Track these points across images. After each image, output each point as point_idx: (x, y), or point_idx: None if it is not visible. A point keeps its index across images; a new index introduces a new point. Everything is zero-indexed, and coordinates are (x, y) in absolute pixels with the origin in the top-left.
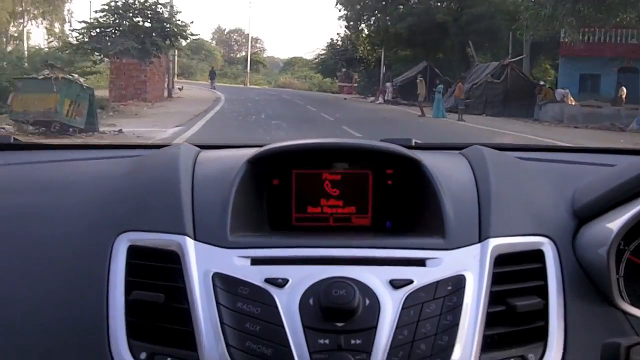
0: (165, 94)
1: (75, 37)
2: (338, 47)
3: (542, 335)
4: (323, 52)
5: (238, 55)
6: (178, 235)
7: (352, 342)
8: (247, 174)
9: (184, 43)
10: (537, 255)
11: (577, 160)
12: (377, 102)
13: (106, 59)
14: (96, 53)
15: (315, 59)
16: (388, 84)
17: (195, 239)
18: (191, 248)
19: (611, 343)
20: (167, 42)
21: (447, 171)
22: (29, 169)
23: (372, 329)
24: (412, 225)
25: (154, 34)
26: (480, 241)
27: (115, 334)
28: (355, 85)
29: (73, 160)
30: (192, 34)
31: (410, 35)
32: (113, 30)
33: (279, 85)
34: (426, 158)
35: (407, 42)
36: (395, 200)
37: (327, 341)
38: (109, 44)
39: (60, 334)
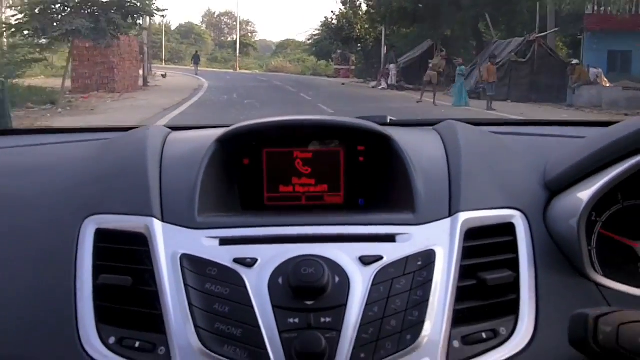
0: (141, 82)
1: (13, 16)
2: (333, 26)
3: (513, 309)
4: (317, 32)
5: (229, 39)
6: (145, 217)
7: (322, 320)
8: (217, 153)
9: (151, 21)
10: (508, 228)
11: (548, 133)
12: (380, 87)
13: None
14: (43, 37)
15: (309, 39)
16: (392, 66)
17: (163, 220)
18: (159, 230)
19: (579, 314)
20: (128, 20)
21: (419, 146)
22: None
23: (342, 306)
24: (383, 201)
25: (111, 11)
26: (450, 215)
27: (83, 319)
28: (353, 68)
29: (40, 145)
30: (158, 10)
31: (416, 9)
32: (61, 7)
33: (270, 69)
34: (397, 134)
35: (412, 17)
36: (367, 177)
37: (296, 320)
38: (54, 24)
39: (27, 320)
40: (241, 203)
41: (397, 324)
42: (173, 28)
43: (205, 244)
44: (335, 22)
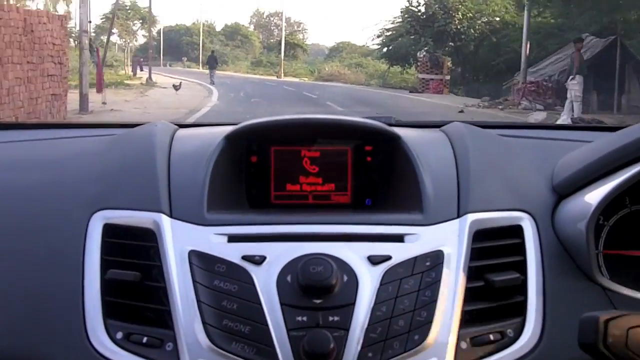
0: (75, 106)
1: None
2: (419, 14)
3: (520, 311)
4: (391, 27)
5: (278, 41)
6: (154, 213)
7: (330, 319)
8: (225, 151)
9: None
10: (516, 230)
11: (556, 137)
12: (561, 118)
13: None
14: None
15: (378, 36)
16: (576, 79)
17: (171, 216)
18: (167, 226)
19: (589, 317)
20: None
21: (427, 147)
22: (3, 147)
23: (350, 305)
24: (391, 201)
25: None
26: (458, 216)
27: (91, 314)
28: (447, 77)
29: (49, 139)
30: None
31: None
32: None
33: (323, 77)
34: (405, 134)
35: None
36: (374, 176)
37: (305, 318)
38: None
39: (36, 315)
40: (248, 201)
41: (405, 324)
42: (218, 28)
43: (214, 241)
44: (422, 8)
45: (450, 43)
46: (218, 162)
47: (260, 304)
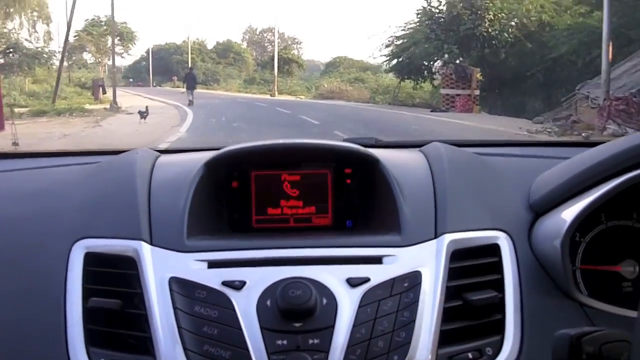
0: None
1: None
2: (440, 16)
3: (499, 329)
4: (403, 33)
5: (271, 63)
6: (134, 241)
7: (310, 341)
8: (205, 177)
9: None
10: (493, 249)
11: (533, 154)
12: None
13: None
14: None
15: (388, 45)
16: None
17: (151, 243)
18: (147, 253)
19: (562, 334)
20: None
21: (405, 168)
22: None
23: (329, 328)
24: (371, 223)
25: None
26: (436, 237)
27: (73, 342)
28: (477, 93)
29: (30, 168)
30: None
31: None
32: None
33: (323, 94)
34: (384, 156)
35: None
36: (354, 198)
37: (285, 342)
38: None
39: (18, 343)
40: (230, 226)
41: (385, 344)
42: (210, 46)
43: (194, 267)
44: (444, 7)
45: (478, 50)
46: (198, 189)
47: (240, 328)
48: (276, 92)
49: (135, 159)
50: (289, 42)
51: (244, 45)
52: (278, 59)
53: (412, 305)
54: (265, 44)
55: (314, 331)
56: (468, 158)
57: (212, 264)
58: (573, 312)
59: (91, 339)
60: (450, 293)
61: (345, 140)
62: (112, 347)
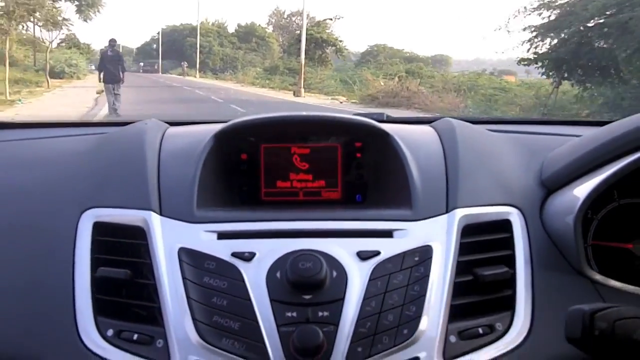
0: None
1: None
2: None
3: (509, 305)
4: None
5: (299, 47)
6: (143, 211)
7: (320, 314)
8: (215, 148)
9: None
10: (504, 225)
11: (546, 131)
12: None
13: None
14: None
15: (530, 40)
16: None
17: (161, 214)
18: (157, 223)
19: (576, 310)
20: None
21: (416, 143)
22: None
23: (339, 300)
24: (381, 197)
25: None
26: (447, 212)
27: (82, 312)
28: None
29: (40, 138)
30: None
31: None
32: None
33: (376, 96)
34: (395, 130)
35: None
36: (364, 173)
37: (294, 314)
38: None
39: (26, 313)
40: (239, 198)
41: (394, 318)
42: (231, 29)
43: (204, 238)
44: None
45: None
46: (208, 160)
47: (250, 300)
48: (302, 90)
49: (145, 129)
50: (322, 23)
51: (270, 29)
52: (308, 39)
53: (423, 279)
54: (293, 29)
55: (324, 304)
56: (480, 134)
57: (222, 235)
58: (584, 289)
59: (99, 308)
60: (461, 268)
61: (355, 114)
62: (121, 317)
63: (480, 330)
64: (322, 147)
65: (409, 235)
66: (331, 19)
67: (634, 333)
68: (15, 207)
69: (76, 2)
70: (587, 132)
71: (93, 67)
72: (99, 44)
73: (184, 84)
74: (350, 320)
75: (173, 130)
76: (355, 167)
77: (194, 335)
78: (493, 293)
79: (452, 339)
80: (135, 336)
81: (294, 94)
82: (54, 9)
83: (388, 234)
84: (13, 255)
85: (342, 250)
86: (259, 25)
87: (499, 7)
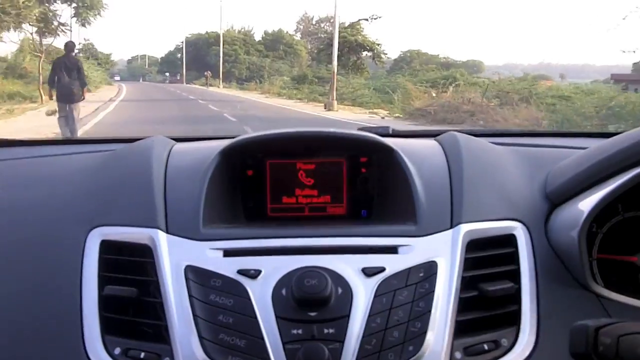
0: None
1: None
2: None
3: (515, 320)
4: None
5: (330, 52)
6: (150, 229)
7: (326, 331)
8: (221, 165)
9: None
10: (509, 239)
11: (550, 144)
12: None
13: None
14: None
15: None
16: None
17: (167, 232)
18: (163, 241)
19: (579, 325)
20: None
21: (421, 158)
22: (3, 165)
23: (345, 317)
24: (386, 212)
25: None
26: (452, 227)
27: (89, 330)
28: None
29: (47, 156)
30: None
31: None
32: None
33: (427, 112)
34: (400, 145)
35: None
36: (370, 188)
37: (300, 331)
38: None
39: (35, 331)
40: (245, 214)
41: (400, 335)
42: (258, 37)
43: (210, 256)
44: None
45: None
46: (214, 177)
47: (255, 317)
48: (335, 103)
49: (151, 146)
50: (355, 26)
51: (298, 36)
52: (340, 43)
53: (428, 295)
54: (322, 36)
55: (329, 321)
56: (484, 147)
57: (228, 253)
58: (589, 304)
59: (107, 327)
60: (466, 283)
61: (360, 129)
62: (128, 335)
63: (486, 346)
64: (327, 162)
65: (414, 251)
66: (367, 19)
67: (639, 348)
68: (23, 226)
69: (74, 4)
70: (593, 144)
71: (118, 78)
72: (121, 54)
73: (201, 97)
74: (355, 337)
75: (179, 146)
76: (360, 183)
77: (200, 353)
78: (498, 308)
79: (458, 355)
80: (142, 354)
81: (325, 107)
82: (49, 13)
83: (393, 249)
84: (21, 274)
85: (347, 267)
86: (287, 32)
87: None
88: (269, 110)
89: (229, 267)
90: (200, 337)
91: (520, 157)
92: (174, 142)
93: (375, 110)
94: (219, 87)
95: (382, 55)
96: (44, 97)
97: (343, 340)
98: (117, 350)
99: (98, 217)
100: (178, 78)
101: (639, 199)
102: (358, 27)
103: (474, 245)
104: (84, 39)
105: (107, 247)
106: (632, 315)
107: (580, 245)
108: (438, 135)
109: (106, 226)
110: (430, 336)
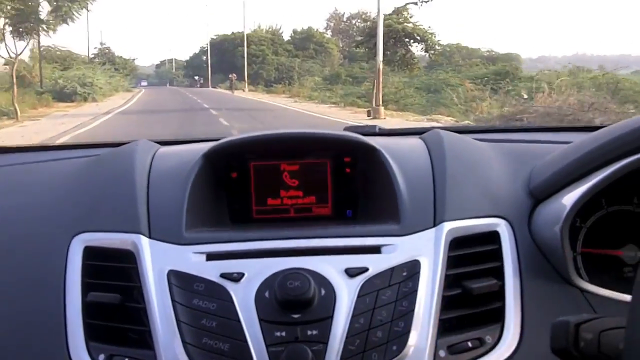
0: None
1: None
2: None
3: (499, 317)
4: None
5: (370, 45)
6: (132, 235)
7: (309, 332)
8: (204, 168)
9: None
10: (492, 236)
11: (534, 139)
12: None
13: None
14: None
15: None
16: None
17: (150, 237)
18: (146, 247)
19: (560, 321)
20: None
21: (404, 156)
22: None
23: (328, 318)
24: (370, 212)
25: None
26: (435, 225)
27: (73, 337)
28: None
29: (31, 162)
30: None
31: None
32: None
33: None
34: (383, 144)
35: None
36: (354, 188)
37: (283, 333)
38: None
39: (18, 338)
40: (230, 217)
41: (383, 334)
42: (286, 36)
43: (193, 260)
44: None
45: None
46: (197, 180)
47: (239, 320)
48: (381, 109)
49: (135, 151)
50: (404, 5)
51: (328, 34)
52: (385, 34)
53: (411, 294)
54: (354, 33)
55: (313, 322)
56: (468, 144)
57: (211, 256)
58: (574, 299)
59: (91, 333)
60: (450, 281)
61: (345, 129)
62: (112, 341)
63: (470, 344)
64: (311, 163)
65: (397, 250)
66: (415, 3)
67: (620, 344)
68: (5, 233)
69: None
70: (575, 138)
71: (145, 83)
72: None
73: (217, 105)
74: (339, 337)
75: (163, 150)
76: (345, 183)
77: (183, 358)
78: (482, 306)
79: (442, 353)
80: None
81: (368, 114)
82: (25, 8)
83: (376, 249)
84: (3, 281)
85: (330, 268)
86: (317, 30)
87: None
88: (298, 121)
89: (212, 271)
90: (184, 342)
91: (504, 153)
92: (158, 145)
93: (433, 117)
94: (244, 90)
95: (437, 47)
96: (19, 112)
97: (326, 341)
98: (102, 357)
99: (81, 223)
100: (202, 82)
101: (623, 192)
102: (405, 13)
103: (457, 243)
104: (100, 43)
105: (91, 253)
106: (617, 310)
107: (563, 240)
108: (423, 133)
109: (89, 232)
110: (413, 335)
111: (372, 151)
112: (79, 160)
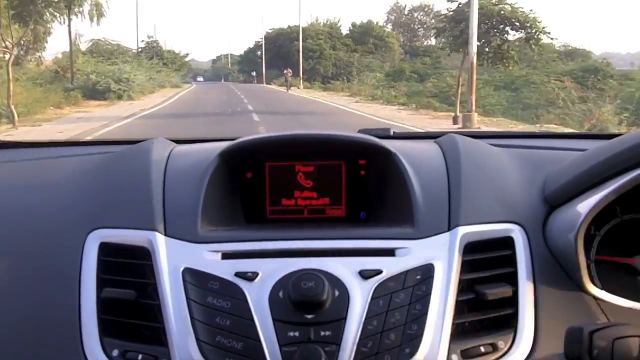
0: None
1: None
2: None
3: (512, 323)
4: None
5: (425, 44)
6: (148, 231)
7: (322, 333)
8: (220, 167)
9: None
10: (507, 242)
11: (549, 145)
12: None
13: None
14: None
15: None
16: None
17: (165, 234)
18: (161, 244)
19: (574, 328)
20: None
21: (419, 160)
22: (2, 167)
23: (341, 320)
24: (384, 215)
25: None
26: (449, 229)
27: (87, 332)
28: None
29: (47, 158)
30: None
31: None
32: None
33: None
34: (398, 147)
35: None
36: (368, 190)
37: (296, 334)
38: None
39: (33, 333)
40: (244, 216)
41: (396, 337)
42: (344, 30)
43: (208, 258)
44: None
45: None
46: (212, 179)
47: (252, 320)
48: (475, 116)
49: (151, 149)
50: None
51: (389, 27)
52: (482, 15)
53: (425, 298)
54: (415, 27)
55: (326, 323)
56: (483, 149)
57: (226, 255)
58: (587, 306)
59: (105, 329)
60: (463, 286)
61: (360, 131)
62: (126, 337)
63: (483, 349)
64: (326, 165)
65: (411, 253)
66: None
67: (633, 352)
68: (22, 229)
69: None
70: (590, 146)
71: (201, 79)
72: (209, 54)
73: (264, 107)
74: (352, 339)
75: (179, 148)
76: (359, 185)
77: (197, 356)
78: (496, 311)
79: (455, 358)
80: (140, 356)
81: (454, 122)
82: None
83: (390, 252)
84: (19, 276)
85: (344, 269)
86: (377, 23)
87: None
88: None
89: (226, 270)
90: (198, 340)
91: (519, 159)
92: (174, 144)
93: (547, 126)
94: (299, 87)
95: (543, 37)
96: (16, 116)
97: (339, 342)
98: (115, 352)
99: (97, 219)
100: (254, 76)
101: (637, 201)
102: None
103: (471, 247)
104: (147, 36)
105: (106, 250)
106: (631, 317)
107: (577, 248)
108: (439, 137)
109: (105, 228)
110: (427, 339)
111: (387, 154)
112: (95, 157)
